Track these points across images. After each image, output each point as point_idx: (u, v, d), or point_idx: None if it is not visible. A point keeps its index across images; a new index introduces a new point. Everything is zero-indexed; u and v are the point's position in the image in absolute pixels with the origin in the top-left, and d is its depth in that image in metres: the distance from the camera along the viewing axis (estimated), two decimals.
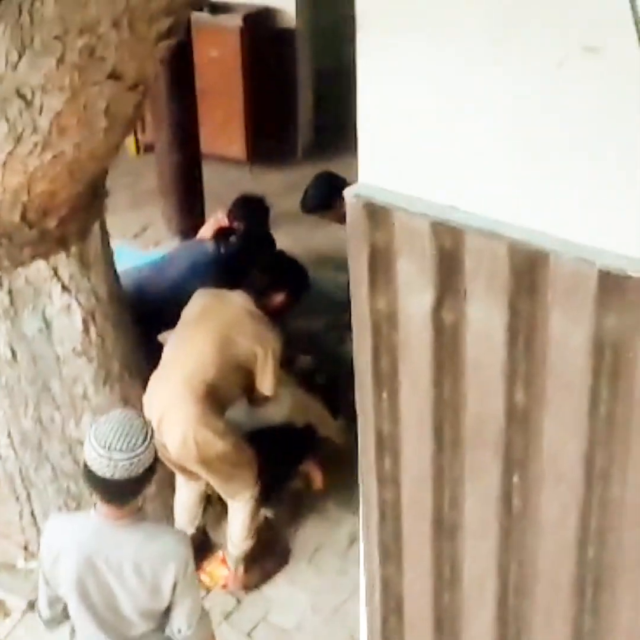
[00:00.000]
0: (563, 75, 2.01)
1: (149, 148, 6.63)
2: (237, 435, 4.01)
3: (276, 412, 4.41)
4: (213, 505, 4.49)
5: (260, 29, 6.80)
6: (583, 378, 1.82)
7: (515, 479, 1.99)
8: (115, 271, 4.33)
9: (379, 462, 2.16)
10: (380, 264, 2.08)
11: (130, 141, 7.21)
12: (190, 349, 3.97)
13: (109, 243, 4.26)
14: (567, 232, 1.86)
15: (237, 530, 4.19)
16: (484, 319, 1.94)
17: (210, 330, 3.98)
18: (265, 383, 4.08)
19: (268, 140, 7.09)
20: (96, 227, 4.09)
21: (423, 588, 2.17)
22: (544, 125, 2.16)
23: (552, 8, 2.03)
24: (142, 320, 4.46)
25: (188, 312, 4.18)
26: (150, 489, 4.36)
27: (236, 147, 6.87)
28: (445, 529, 2.12)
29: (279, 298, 4.21)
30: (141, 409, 4.04)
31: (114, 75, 3.24)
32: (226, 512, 4.25)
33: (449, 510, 2.10)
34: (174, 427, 3.84)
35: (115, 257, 4.34)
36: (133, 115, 3.70)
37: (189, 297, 4.25)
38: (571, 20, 1.94)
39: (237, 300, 4.10)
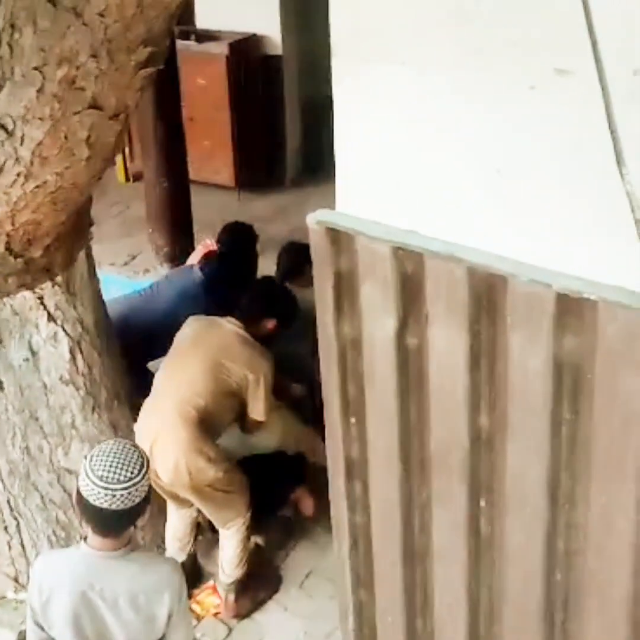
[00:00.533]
0: (535, 98, 2.02)
1: (138, 176, 6.67)
2: (229, 463, 4.00)
3: (267, 440, 4.40)
4: (203, 534, 4.47)
5: (246, 56, 6.86)
6: (544, 400, 1.82)
7: (482, 503, 1.98)
8: (101, 299, 4.33)
9: (349, 488, 2.16)
10: (345, 290, 2.09)
11: (119, 169, 7.28)
12: (182, 375, 3.98)
13: (95, 271, 4.27)
14: (525, 255, 1.86)
15: (228, 559, 4.17)
16: (446, 343, 1.94)
17: (202, 357, 3.99)
18: (257, 409, 4.07)
19: (256, 166, 7.13)
20: (82, 255, 4.10)
21: (395, 614, 2.16)
22: (510, 149, 2.18)
23: (523, 33, 2.05)
24: (131, 348, 4.46)
25: (179, 339, 4.18)
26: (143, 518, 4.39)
27: (224, 174, 6.92)
28: (415, 554, 2.11)
29: (269, 325, 4.22)
30: (131, 437, 4.04)
31: (94, 105, 3.27)
32: (217, 541, 4.23)
33: (418, 535, 2.09)
34: (166, 454, 3.83)
35: (104, 286, 4.35)
36: (114, 144, 3.72)
37: (179, 324, 4.25)
38: (542, 44, 1.95)
39: (228, 327, 4.11)
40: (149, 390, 4.12)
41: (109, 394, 4.24)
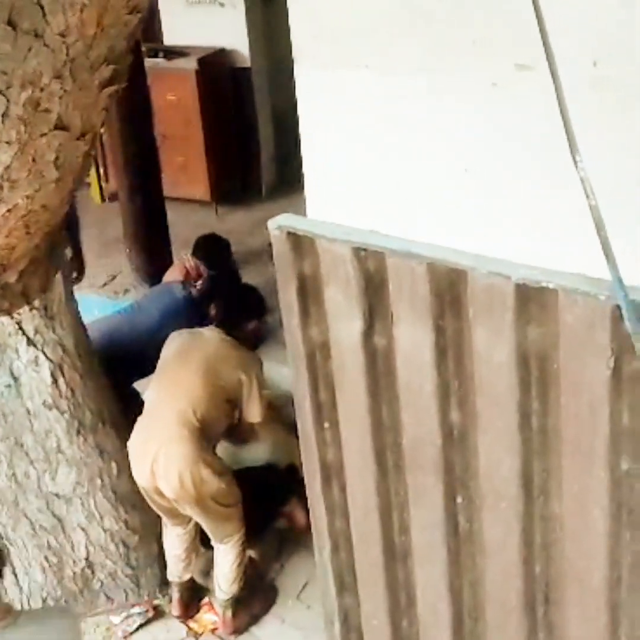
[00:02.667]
0: (498, 94, 2.03)
1: (114, 196, 6.66)
2: (230, 474, 4.00)
3: (258, 452, 4.40)
4: (198, 550, 4.45)
5: (215, 71, 6.87)
6: (511, 392, 1.81)
7: (459, 499, 1.97)
8: (81, 321, 4.32)
9: (326, 492, 2.15)
10: (310, 293, 2.08)
11: (94, 190, 7.27)
12: (177, 388, 3.97)
13: (72, 293, 4.26)
14: (484, 248, 1.86)
15: (224, 574, 4.15)
16: (413, 340, 1.93)
17: (194, 367, 3.99)
18: (253, 410, 4.08)
19: (232, 180, 7.14)
20: (58, 277, 4.09)
21: (380, 616, 2.14)
22: (476, 147, 2.18)
23: (483, 30, 2.06)
24: (115, 368, 4.44)
25: (166, 355, 4.18)
26: (133, 539, 4.36)
27: (200, 188, 6.93)
28: (397, 555, 2.10)
29: (250, 326, 4.24)
30: (118, 458, 4.02)
31: (60, 126, 3.26)
32: (211, 558, 4.22)
33: (398, 536, 2.08)
34: (171, 469, 3.82)
35: (85, 307, 4.33)
36: (83, 164, 3.72)
37: (163, 342, 4.25)
38: (502, 40, 1.96)
39: (212, 334, 4.13)
40: (135, 410, 4.10)
41: (93, 416, 4.22)
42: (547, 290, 1.73)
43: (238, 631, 4.20)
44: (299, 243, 2.04)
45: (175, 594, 4.21)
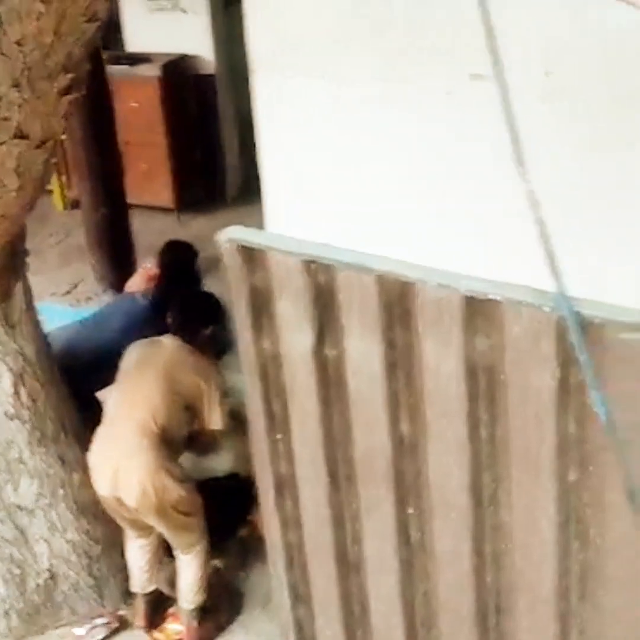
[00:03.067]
0: (453, 103, 2.04)
1: (77, 204, 6.61)
2: (191, 482, 3.99)
3: (222, 462, 4.39)
4: (162, 561, 4.43)
5: (179, 77, 6.86)
6: (460, 404, 1.82)
7: (410, 510, 1.98)
8: (42, 330, 4.28)
9: (280, 505, 2.14)
10: (262, 306, 2.08)
11: (57, 197, 7.21)
12: (137, 397, 3.95)
13: (32, 302, 4.22)
14: (432, 260, 1.87)
15: (189, 585, 4.13)
16: (363, 352, 1.94)
17: (153, 376, 3.98)
18: (214, 417, 4.07)
19: (196, 186, 7.11)
20: (19, 286, 4.05)
21: (335, 628, 2.14)
22: (432, 155, 2.20)
23: (437, 40, 2.07)
24: (77, 378, 4.41)
25: (126, 365, 4.16)
26: (96, 549, 4.33)
27: (164, 196, 6.90)
28: (350, 566, 2.10)
29: (207, 332, 4.24)
30: (79, 468, 3.99)
31: (20, 135, 3.24)
32: (174, 569, 4.20)
33: (351, 547, 2.08)
34: (131, 478, 3.79)
35: (46, 316, 4.29)
36: (43, 172, 3.69)
37: (124, 352, 4.23)
38: (456, 50, 1.97)
39: (170, 342, 4.12)
40: (97, 420, 4.08)
41: (55, 426, 4.18)
42: (493, 302, 1.74)
43: None
44: (250, 256, 2.04)
45: (139, 605, 4.18)
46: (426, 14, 2.13)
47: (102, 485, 3.85)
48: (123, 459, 3.80)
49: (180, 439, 4.03)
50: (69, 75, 3.19)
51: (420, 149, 2.21)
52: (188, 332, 4.14)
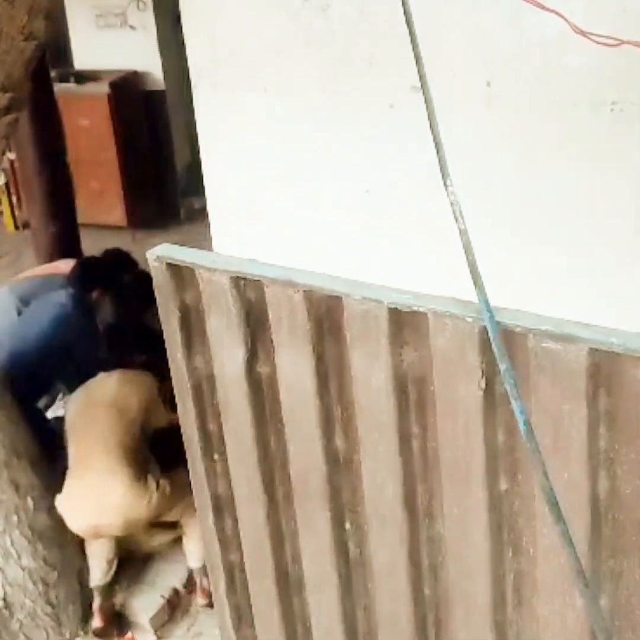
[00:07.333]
0: (395, 116, 2.04)
1: (28, 224, 6.54)
2: (166, 478, 4.03)
3: None
4: (121, 583, 4.38)
5: (128, 94, 6.83)
6: (390, 417, 1.80)
7: (348, 525, 1.96)
8: None
9: (219, 526, 2.12)
10: (193, 324, 2.06)
11: (7, 218, 7.14)
12: (93, 438, 4.03)
13: None
14: (358, 273, 1.86)
15: (195, 543, 4.10)
16: (294, 368, 1.92)
17: (104, 412, 4.10)
18: (163, 419, 4.13)
19: (148, 204, 7.08)
20: None
21: None
22: (376, 168, 2.18)
23: (377, 53, 2.06)
24: (17, 388, 4.33)
25: (70, 418, 4.22)
26: (53, 575, 4.27)
27: (116, 214, 6.87)
28: (291, 585, 2.08)
29: (140, 360, 4.30)
30: (33, 493, 3.98)
31: None
32: (137, 590, 4.18)
33: (291, 566, 2.06)
34: (119, 517, 3.89)
35: None
36: None
37: (58, 353, 4.25)
38: (397, 63, 1.96)
39: (106, 382, 4.20)
40: (45, 436, 4.08)
41: (6, 450, 4.12)
42: (418, 314, 1.73)
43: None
44: (180, 274, 2.02)
45: (96, 601, 4.15)
46: (366, 26, 2.12)
47: (82, 527, 3.93)
48: (104, 491, 3.86)
49: (146, 452, 4.08)
50: (8, 95, 3.16)
51: (367, 161, 2.20)
52: (121, 366, 4.22)
